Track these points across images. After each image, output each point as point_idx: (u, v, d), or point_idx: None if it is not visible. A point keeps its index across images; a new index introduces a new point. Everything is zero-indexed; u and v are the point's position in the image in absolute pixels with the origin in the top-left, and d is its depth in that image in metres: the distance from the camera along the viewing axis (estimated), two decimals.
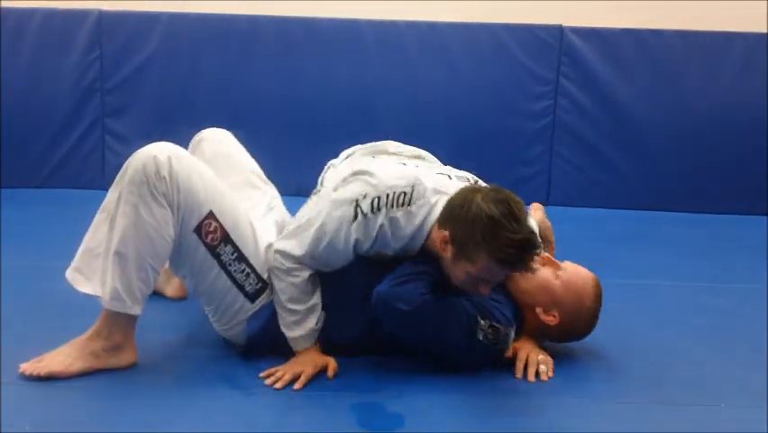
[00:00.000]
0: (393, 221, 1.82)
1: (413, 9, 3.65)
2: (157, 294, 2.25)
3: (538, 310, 1.94)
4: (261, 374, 1.87)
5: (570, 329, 1.98)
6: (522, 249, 1.74)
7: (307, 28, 3.60)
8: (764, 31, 3.58)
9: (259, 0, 3.64)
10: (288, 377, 1.84)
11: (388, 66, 3.63)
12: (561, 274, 1.96)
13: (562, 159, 3.71)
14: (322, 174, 2.14)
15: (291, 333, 1.90)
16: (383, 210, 1.80)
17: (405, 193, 1.82)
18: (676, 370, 2.01)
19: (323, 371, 1.89)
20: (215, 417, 1.70)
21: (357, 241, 1.83)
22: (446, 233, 1.79)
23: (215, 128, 2.29)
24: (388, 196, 1.81)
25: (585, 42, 3.60)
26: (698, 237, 3.32)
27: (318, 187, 2.10)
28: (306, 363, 1.88)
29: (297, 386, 1.82)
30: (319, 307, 1.91)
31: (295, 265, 1.87)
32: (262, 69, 3.64)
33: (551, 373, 1.92)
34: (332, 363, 1.90)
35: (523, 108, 3.67)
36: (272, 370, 1.88)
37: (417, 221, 1.83)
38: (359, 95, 3.67)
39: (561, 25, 3.61)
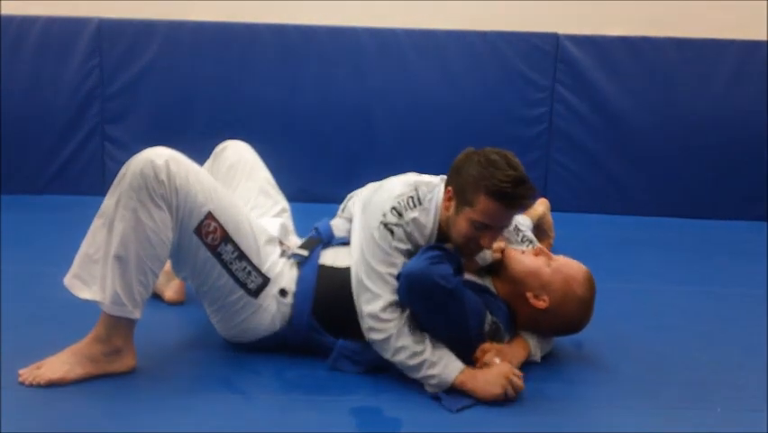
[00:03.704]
0: (416, 221, 1.93)
1: (410, 17, 3.67)
2: (155, 296, 2.27)
3: (528, 295, 1.96)
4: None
5: (561, 316, 1.97)
6: (517, 184, 1.83)
7: (306, 36, 3.62)
8: (759, 38, 3.60)
9: (257, 6, 3.67)
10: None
11: (385, 73, 3.65)
12: (552, 262, 2.00)
13: (558, 165, 3.72)
14: (344, 203, 2.22)
15: (437, 372, 1.84)
16: (405, 214, 1.92)
17: (412, 196, 1.95)
18: (672, 374, 2.03)
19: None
20: (215, 421, 1.71)
21: (404, 251, 1.91)
22: (449, 188, 1.93)
23: (238, 140, 2.38)
24: (400, 203, 1.93)
25: (580, 50, 3.62)
26: (694, 243, 3.33)
27: (339, 212, 2.20)
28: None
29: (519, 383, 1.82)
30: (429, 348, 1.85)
31: (391, 316, 1.86)
32: (261, 77, 3.65)
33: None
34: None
35: (519, 115, 3.69)
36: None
37: (432, 212, 1.97)
38: (357, 102, 3.69)
39: (556, 33, 3.63)
